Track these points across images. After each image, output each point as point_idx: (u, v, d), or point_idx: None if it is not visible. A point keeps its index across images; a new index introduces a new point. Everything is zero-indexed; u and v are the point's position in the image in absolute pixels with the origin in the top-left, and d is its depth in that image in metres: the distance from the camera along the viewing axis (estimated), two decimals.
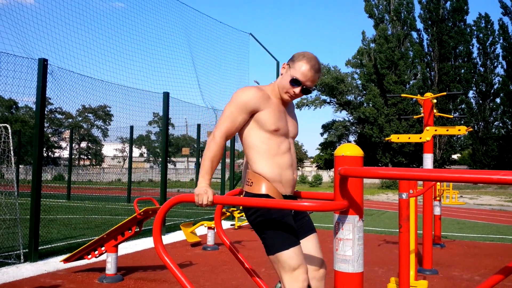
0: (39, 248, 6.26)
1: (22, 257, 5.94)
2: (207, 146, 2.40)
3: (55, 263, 5.86)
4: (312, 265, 2.55)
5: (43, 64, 6.28)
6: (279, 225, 2.37)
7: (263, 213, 2.38)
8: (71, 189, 18.73)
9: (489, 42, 43.44)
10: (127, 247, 7.16)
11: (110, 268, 5.03)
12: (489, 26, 43.68)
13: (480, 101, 43.79)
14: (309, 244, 2.58)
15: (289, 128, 2.56)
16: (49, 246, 7.13)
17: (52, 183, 29.92)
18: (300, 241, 2.54)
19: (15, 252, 6.16)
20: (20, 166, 20.86)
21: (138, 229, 5.12)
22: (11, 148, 6.08)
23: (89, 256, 5.27)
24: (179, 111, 10.49)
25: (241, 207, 8.60)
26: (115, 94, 8.87)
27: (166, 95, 9.07)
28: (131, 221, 4.97)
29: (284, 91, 2.51)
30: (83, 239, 7.79)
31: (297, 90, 2.48)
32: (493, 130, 43.70)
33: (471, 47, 43.29)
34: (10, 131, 6.06)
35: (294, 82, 2.46)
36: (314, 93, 56.21)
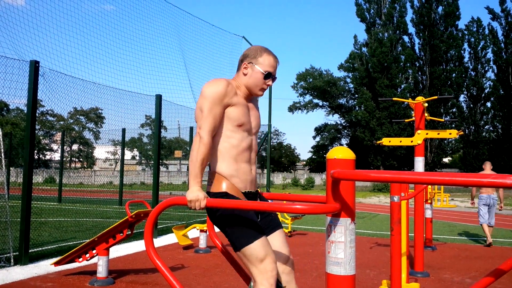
0: (30, 251, 6.22)
1: (12, 260, 5.89)
2: (194, 148, 2.36)
3: (45, 266, 5.81)
4: (280, 261, 2.56)
5: (34, 66, 6.24)
6: (241, 220, 2.38)
7: (225, 209, 2.38)
8: (62, 192, 18.61)
9: (480, 46, 43.84)
10: (118, 250, 7.12)
11: (102, 271, 5.00)
12: (480, 31, 44.09)
13: (471, 105, 44.15)
14: (276, 240, 2.59)
15: (252, 124, 2.59)
16: (40, 249, 7.07)
17: (43, 185, 29.69)
18: (270, 235, 2.57)
19: (5, 255, 6.10)
20: (11, 168, 20.67)
21: (130, 232, 5.10)
22: (2, 150, 6.03)
23: (80, 259, 5.24)
24: (172, 113, 10.46)
25: None
26: (107, 97, 8.83)
27: (159, 98, 9.06)
28: (123, 224, 4.95)
29: (258, 88, 2.56)
30: (74, 242, 7.73)
31: (271, 82, 2.58)
32: (484, 133, 44.05)
33: (462, 51, 43.65)
34: (0, 133, 6.02)
35: (268, 76, 2.54)
36: (307, 97, 56.42)
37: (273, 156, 56.08)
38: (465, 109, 44.13)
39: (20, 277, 5.28)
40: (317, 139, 58.50)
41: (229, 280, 5.22)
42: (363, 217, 13.99)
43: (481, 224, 8.67)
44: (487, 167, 8.68)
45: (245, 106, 2.54)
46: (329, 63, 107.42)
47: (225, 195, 2.42)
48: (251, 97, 2.66)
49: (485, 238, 9.05)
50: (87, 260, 5.24)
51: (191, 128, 14.93)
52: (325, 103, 56.17)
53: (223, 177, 2.45)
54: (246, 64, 2.56)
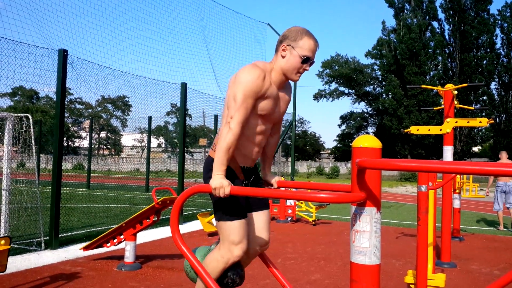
0: (60, 235, 6.39)
1: (43, 244, 6.07)
2: (223, 137, 2.36)
3: (75, 251, 5.97)
4: (258, 240, 2.66)
5: (63, 55, 6.35)
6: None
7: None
8: (90, 178, 19.03)
9: None
10: (145, 236, 7.25)
11: (129, 256, 5.10)
12: None
13: (503, 93, 42.84)
14: (260, 220, 2.68)
15: (275, 115, 2.59)
16: (69, 234, 7.26)
17: (72, 172, 30.44)
18: (254, 213, 2.65)
19: (36, 240, 6.29)
20: (41, 155, 21.22)
21: (156, 218, 5.18)
22: (32, 137, 6.19)
23: (108, 244, 5.35)
24: (197, 102, 10.52)
25: None
26: (133, 85, 8.94)
27: (184, 86, 9.11)
28: (149, 210, 5.02)
29: (295, 72, 2.50)
30: (103, 228, 7.91)
31: (308, 67, 2.51)
32: None
33: (494, 37, 42.30)
34: (31, 120, 6.16)
35: (306, 60, 2.47)
36: (332, 85, 55.83)
37: (298, 144, 55.89)
38: (496, 96, 42.88)
39: (51, 261, 5.44)
40: (343, 127, 57.96)
41: (252, 268, 5.25)
42: (389, 207, 13.84)
43: (496, 212, 9.35)
44: (503, 155, 9.18)
45: (276, 98, 2.52)
46: (355, 50, 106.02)
47: None
48: (284, 84, 2.61)
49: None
50: (115, 245, 5.35)
51: (216, 116, 14.99)
52: (351, 91, 55.47)
53: None
54: (285, 46, 2.48)
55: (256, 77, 2.37)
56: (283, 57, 2.49)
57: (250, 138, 2.52)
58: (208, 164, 2.53)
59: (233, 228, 2.44)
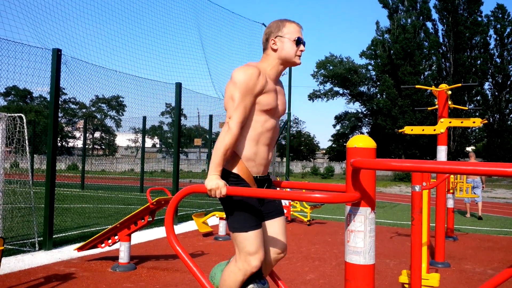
0: (54, 236, 6.36)
1: (37, 245, 6.04)
2: (221, 137, 2.35)
3: (69, 252, 5.94)
4: (275, 247, 2.61)
5: (57, 54, 6.32)
6: (242, 205, 2.41)
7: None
8: (85, 179, 18.95)
9: (506, 33, 42.63)
10: (140, 236, 7.23)
11: (123, 257, 5.09)
12: (505, 17, 42.84)
13: (496, 93, 43.09)
14: (275, 227, 2.62)
15: (279, 107, 2.58)
16: (63, 234, 7.23)
17: (66, 172, 30.31)
18: (267, 222, 2.60)
19: (30, 240, 6.26)
20: (34, 155, 21.11)
21: (151, 219, 5.17)
22: (26, 137, 6.15)
23: (103, 245, 5.34)
24: (191, 101, 10.50)
25: None
26: (128, 85, 8.91)
27: (179, 86, 9.09)
28: (144, 211, 5.01)
29: (294, 56, 2.53)
30: (97, 228, 7.88)
31: (303, 46, 2.55)
32: (509, 122, 43.03)
33: (488, 38, 42.53)
34: (25, 120, 6.13)
35: (299, 41, 2.52)
36: (327, 85, 55.89)
37: (293, 144, 55.92)
38: (489, 97, 43.10)
39: (45, 261, 5.41)
40: (337, 127, 58.02)
41: None
42: (383, 207, 13.88)
43: (466, 203, 11.42)
44: (472, 159, 10.90)
45: (275, 91, 2.53)
46: (350, 51, 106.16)
47: (236, 176, 2.45)
48: (278, 79, 2.63)
49: (511, 230, 8.94)
50: (109, 246, 5.33)
51: (211, 116, 14.97)
52: (345, 91, 55.55)
53: (240, 158, 2.46)
54: (273, 39, 2.52)
55: (251, 74, 2.38)
56: (275, 50, 2.51)
57: (262, 139, 2.48)
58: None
59: (248, 239, 2.39)
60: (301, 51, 2.55)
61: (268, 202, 2.61)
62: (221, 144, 2.33)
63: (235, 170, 2.45)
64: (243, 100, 2.36)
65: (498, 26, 42.75)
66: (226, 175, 2.45)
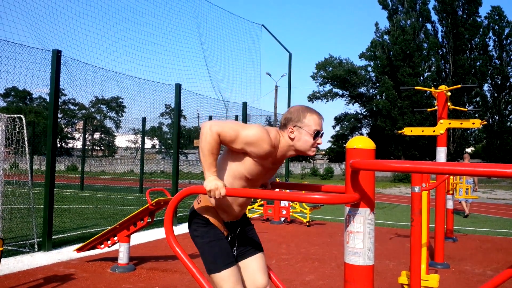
0: (53, 237, 6.36)
1: (36, 246, 6.04)
2: (203, 137, 2.29)
3: (68, 252, 5.94)
4: (256, 285, 2.58)
5: (56, 55, 6.32)
6: (215, 246, 2.42)
7: (201, 233, 2.44)
8: (84, 180, 18.94)
9: (505, 34, 42.70)
10: (139, 237, 7.23)
11: (123, 258, 5.09)
12: (502, 18, 42.90)
13: (495, 94, 43.15)
14: (254, 265, 2.60)
15: (258, 182, 2.52)
16: (63, 235, 7.22)
17: (65, 173, 30.26)
18: (245, 260, 2.59)
19: (29, 241, 6.26)
20: (34, 156, 21.11)
21: (150, 220, 5.17)
22: (26, 138, 6.15)
23: (102, 246, 5.33)
24: (191, 102, 10.51)
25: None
26: (127, 86, 8.92)
27: (178, 87, 9.09)
28: (143, 212, 5.01)
29: (310, 149, 2.45)
30: (96, 229, 7.88)
31: (320, 140, 2.47)
32: (508, 123, 43.08)
33: (487, 39, 42.59)
34: (24, 121, 6.12)
35: (317, 134, 2.43)
36: (327, 86, 55.93)
37: None
38: (489, 98, 43.17)
39: (44, 262, 5.41)
40: (337, 128, 58.01)
41: None
42: (383, 208, 13.88)
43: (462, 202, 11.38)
44: (466, 160, 10.92)
45: (267, 168, 2.47)
46: (349, 52, 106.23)
47: (205, 222, 2.45)
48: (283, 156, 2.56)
49: (510, 231, 8.94)
50: (108, 247, 5.33)
51: (210, 117, 14.96)
52: (345, 92, 55.56)
53: (212, 205, 2.46)
54: (291, 128, 2.42)
55: (266, 141, 2.32)
56: (292, 139, 2.44)
57: (234, 198, 2.44)
58: (193, 216, 2.49)
59: (223, 278, 2.39)
60: (318, 144, 2.47)
61: (242, 240, 2.60)
62: (206, 147, 2.28)
63: (206, 216, 2.46)
64: (240, 136, 2.30)
65: (496, 27, 42.82)
66: (196, 217, 2.46)
